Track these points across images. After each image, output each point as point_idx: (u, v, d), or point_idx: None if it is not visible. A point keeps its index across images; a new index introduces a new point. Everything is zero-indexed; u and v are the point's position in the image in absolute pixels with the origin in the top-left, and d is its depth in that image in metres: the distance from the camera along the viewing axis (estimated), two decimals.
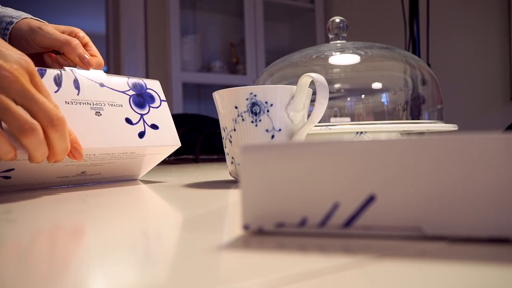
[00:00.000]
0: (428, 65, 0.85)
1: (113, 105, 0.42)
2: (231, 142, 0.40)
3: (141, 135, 0.43)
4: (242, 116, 0.38)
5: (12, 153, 0.32)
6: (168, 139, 0.46)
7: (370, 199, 0.16)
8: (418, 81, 0.59)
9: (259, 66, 2.11)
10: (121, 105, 0.43)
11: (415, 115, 0.57)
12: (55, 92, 0.39)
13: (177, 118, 1.28)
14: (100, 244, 0.18)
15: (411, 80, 0.59)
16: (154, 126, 0.45)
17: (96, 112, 0.41)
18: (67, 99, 0.40)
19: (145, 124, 0.44)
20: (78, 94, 0.41)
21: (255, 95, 0.38)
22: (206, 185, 0.40)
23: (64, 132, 0.34)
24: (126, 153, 0.43)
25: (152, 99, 0.46)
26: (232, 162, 0.40)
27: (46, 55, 0.46)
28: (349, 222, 0.17)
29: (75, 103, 0.40)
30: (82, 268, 0.15)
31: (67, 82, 0.40)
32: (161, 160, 0.49)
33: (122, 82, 0.45)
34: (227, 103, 0.39)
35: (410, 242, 0.16)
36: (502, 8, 1.56)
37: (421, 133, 0.60)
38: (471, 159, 0.15)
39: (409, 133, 0.58)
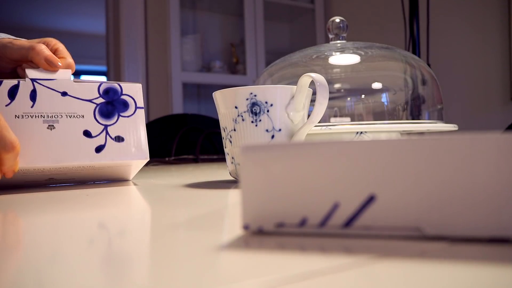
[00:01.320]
0: (428, 65, 0.85)
1: (72, 116, 0.40)
2: (231, 142, 0.40)
3: (99, 149, 0.41)
4: (242, 116, 0.38)
5: None
6: (133, 153, 0.42)
7: (370, 199, 0.16)
8: (418, 81, 0.59)
9: (259, 66, 2.11)
10: (82, 116, 0.41)
11: (415, 115, 0.57)
12: (6, 105, 0.38)
13: (177, 118, 1.29)
14: (99, 242, 0.18)
15: (411, 80, 0.59)
16: (119, 138, 0.42)
17: (49, 125, 0.39)
18: (18, 112, 0.38)
19: (107, 136, 0.41)
20: (32, 107, 0.39)
21: (255, 95, 0.38)
22: (206, 185, 0.40)
23: None
24: (83, 167, 0.41)
25: (125, 106, 0.43)
26: (232, 162, 0.40)
27: (19, 68, 0.45)
28: (349, 222, 0.17)
29: (27, 116, 0.38)
30: (78, 268, 0.15)
31: (22, 93, 0.39)
32: (139, 169, 0.46)
33: (91, 88, 0.42)
34: (227, 103, 0.39)
35: (410, 242, 0.16)
36: (502, 8, 1.56)
37: (421, 133, 0.60)
38: (471, 159, 0.15)
39: (409, 133, 0.58)
